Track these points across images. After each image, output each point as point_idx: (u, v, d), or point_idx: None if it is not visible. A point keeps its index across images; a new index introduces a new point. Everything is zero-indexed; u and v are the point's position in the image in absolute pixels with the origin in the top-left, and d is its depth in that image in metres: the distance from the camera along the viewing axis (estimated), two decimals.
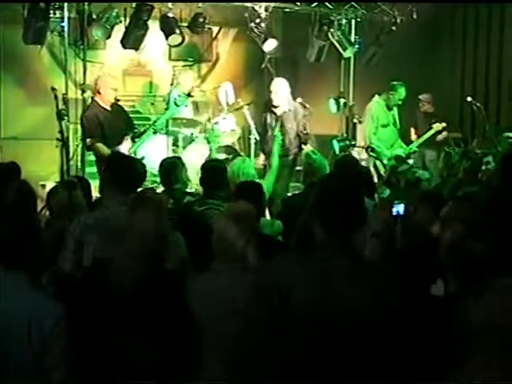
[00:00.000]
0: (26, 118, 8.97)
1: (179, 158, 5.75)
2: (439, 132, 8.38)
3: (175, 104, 7.40)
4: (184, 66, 10.05)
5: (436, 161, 8.23)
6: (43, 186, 7.37)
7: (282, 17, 9.87)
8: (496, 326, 1.79)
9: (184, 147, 7.88)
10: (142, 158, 6.68)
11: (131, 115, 7.83)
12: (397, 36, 9.17)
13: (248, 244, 2.91)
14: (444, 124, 8.39)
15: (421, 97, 8.88)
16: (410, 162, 8.01)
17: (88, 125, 6.94)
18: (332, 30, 8.98)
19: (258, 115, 8.00)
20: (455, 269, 2.47)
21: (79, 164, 7.64)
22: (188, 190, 5.85)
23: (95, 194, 5.28)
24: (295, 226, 3.25)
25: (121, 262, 2.81)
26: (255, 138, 7.86)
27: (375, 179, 7.99)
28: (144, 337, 2.69)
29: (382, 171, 7.93)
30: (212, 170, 4.91)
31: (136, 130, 7.24)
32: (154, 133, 7.19)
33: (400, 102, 8.37)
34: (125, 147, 6.95)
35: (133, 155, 6.68)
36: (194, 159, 7.33)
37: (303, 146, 7.36)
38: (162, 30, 8.32)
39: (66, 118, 6.41)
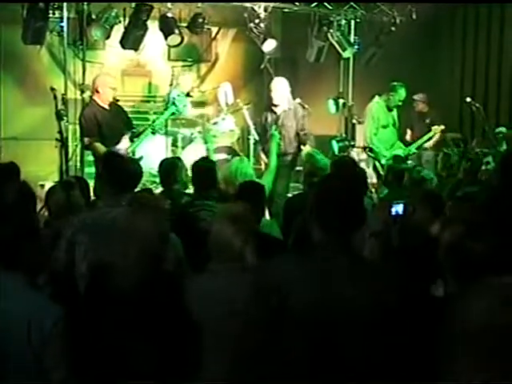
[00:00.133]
0: (25, 118, 8.97)
1: (179, 159, 5.71)
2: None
3: (174, 104, 7.39)
4: (183, 66, 10.06)
5: (433, 161, 8.24)
6: (42, 186, 7.37)
7: (282, 17, 9.87)
8: (496, 326, 1.78)
9: (183, 147, 7.88)
10: (141, 157, 6.67)
11: (130, 115, 7.82)
12: (396, 36, 9.17)
13: (246, 244, 2.91)
14: (442, 127, 8.39)
15: (415, 96, 8.86)
16: (409, 162, 8.01)
17: (86, 124, 6.88)
18: (331, 30, 8.99)
19: (257, 115, 7.99)
20: (454, 269, 2.47)
21: (78, 164, 7.60)
22: (187, 191, 5.83)
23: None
24: (294, 226, 3.25)
25: (120, 263, 2.80)
26: (254, 139, 7.86)
27: (375, 179, 8.00)
28: (144, 337, 2.68)
29: (382, 171, 7.93)
30: (203, 170, 4.90)
31: (135, 130, 7.19)
32: (153, 133, 7.15)
33: (400, 103, 8.37)
34: (123, 147, 6.92)
35: (131, 155, 6.66)
36: (193, 159, 7.25)
37: (302, 147, 7.35)
38: (162, 30, 8.32)
39: (65, 118, 6.42)
